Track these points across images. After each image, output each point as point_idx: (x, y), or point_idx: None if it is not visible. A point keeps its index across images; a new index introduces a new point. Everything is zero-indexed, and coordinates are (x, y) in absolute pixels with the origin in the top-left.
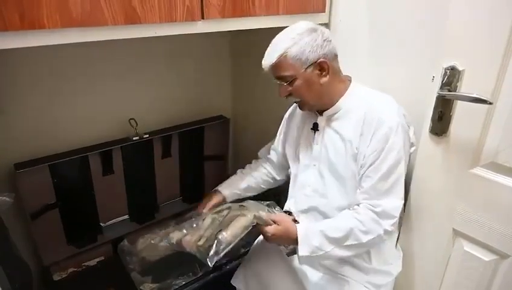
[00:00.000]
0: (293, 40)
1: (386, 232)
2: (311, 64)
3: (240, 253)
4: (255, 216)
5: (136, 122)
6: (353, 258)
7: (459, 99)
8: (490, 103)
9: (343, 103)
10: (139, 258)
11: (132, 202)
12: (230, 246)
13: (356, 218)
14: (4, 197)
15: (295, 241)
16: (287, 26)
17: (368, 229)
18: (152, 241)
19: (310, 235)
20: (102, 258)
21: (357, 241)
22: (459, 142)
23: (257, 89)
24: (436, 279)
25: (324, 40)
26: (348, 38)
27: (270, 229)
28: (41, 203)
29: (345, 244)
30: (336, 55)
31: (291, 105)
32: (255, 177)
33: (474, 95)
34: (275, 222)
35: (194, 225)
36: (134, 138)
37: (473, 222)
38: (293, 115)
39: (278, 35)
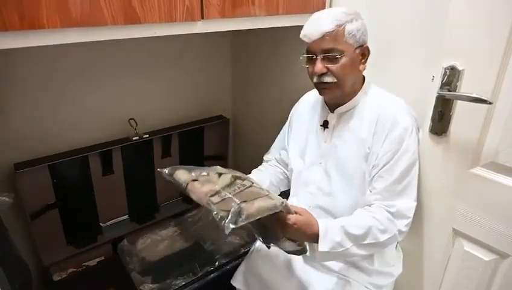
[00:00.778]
0: (350, 16)
1: (401, 232)
2: (360, 46)
3: (240, 253)
4: (282, 203)
5: (136, 122)
6: (358, 260)
7: (459, 99)
8: (490, 103)
9: (358, 99)
10: (139, 258)
11: (132, 202)
12: (249, 220)
13: (374, 217)
14: (4, 197)
15: (314, 235)
16: (287, 26)
17: (385, 229)
18: None
19: (331, 230)
20: (102, 258)
21: (375, 240)
22: (459, 142)
23: (257, 89)
24: (436, 279)
25: (365, 30)
26: None
27: (292, 217)
28: (41, 203)
29: (363, 242)
30: None
31: (297, 102)
32: (270, 178)
33: (474, 95)
34: (298, 213)
35: (204, 173)
36: (134, 138)
37: (473, 222)
38: (299, 112)
39: (323, 12)
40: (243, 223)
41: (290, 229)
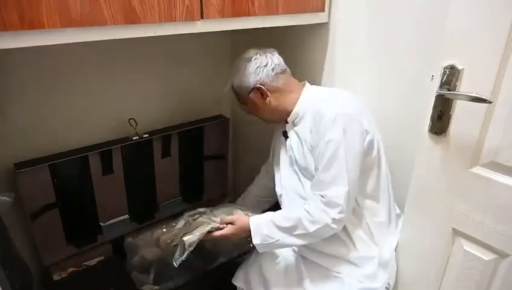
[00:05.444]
0: (235, 70)
1: (335, 221)
2: (251, 90)
3: (241, 252)
4: (213, 227)
5: (135, 122)
6: (340, 252)
7: (459, 99)
8: (490, 102)
9: (297, 109)
10: (139, 257)
11: (132, 202)
12: (192, 247)
13: (305, 208)
14: (4, 197)
15: (249, 234)
16: (286, 26)
17: (316, 219)
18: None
19: (261, 225)
20: (102, 258)
21: (305, 231)
22: (458, 142)
23: None
24: (436, 278)
25: (257, 67)
26: (348, 38)
27: (223, 231)
28: (41, 203)
29: (295, 233)
30: (278, 73)
31: None
32: (260, 187)
33: (474, 94)
34: (231, 223)
35: (174, 225)
36: (134, 138)
37: (472, 221)
38: (276, 127)
39: (234, 64)
40: (189, 252)
41: (224, 240)
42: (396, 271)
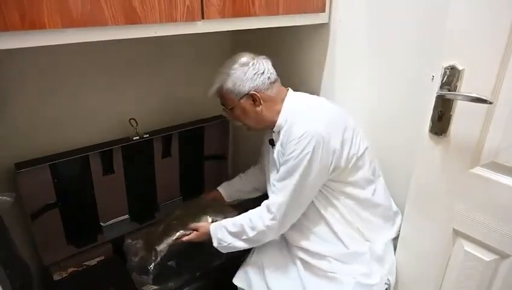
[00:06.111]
0: (227, 74)
1: (268, 227)
2: (244, 95)
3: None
4: (180, 233)
5: (136, 122)
6: (330, 250)
7: (459, 99)
8: (490, 103)
9: (280, 120)
10: (140, 257)
11: (132, 202)
12: (163, 253)
13: (248, 215)
14: (4, 197)
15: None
16: (287, 26)
17: (254, 226)
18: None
19: (217, 229)
20: (103, 258)
21: (246, 236)
22: (459, 142)
23: None
24: (436, 279)
25: (255, 74)
26: (348, 38)
27: (189, 237)
28: (42, 203)
29: (242, 237)
30: (271, 83)
31: None
32: (250, 181)
33: (474, 95)
34: (196, 229)
35: (157, 228)
36: (134, 138)
37: (473, 222)
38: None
39: (221, 67)
40: (161, 257)
41: (193, 242)
42: (396, 271)
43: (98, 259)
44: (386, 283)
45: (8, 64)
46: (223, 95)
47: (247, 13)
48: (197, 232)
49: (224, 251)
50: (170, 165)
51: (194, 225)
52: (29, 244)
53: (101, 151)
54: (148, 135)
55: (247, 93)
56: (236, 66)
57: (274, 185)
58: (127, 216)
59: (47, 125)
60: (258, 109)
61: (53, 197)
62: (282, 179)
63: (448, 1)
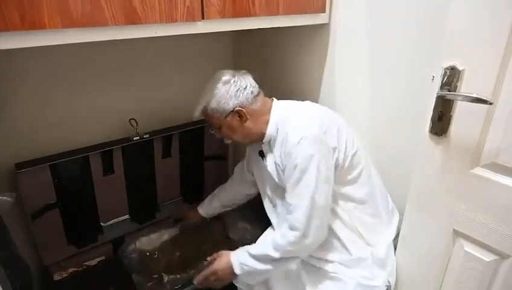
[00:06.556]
0: (211, 94)
1: (292, 243)
2: (229, 113)
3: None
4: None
5: (136, 122)
6: (334, 257)
7: (459, 100)
8: (490, 103)
9: (269, 131)
10: (140, 258)
11: (132, 202)
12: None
13: (272, 236)
14: (5, 197)
15: (231, 266)
16: (287, 27)
17: (277, 246)
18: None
19: (239, 257)
20: (103, 258)
21: (273, 258)
22: (459, 143)
23: None
24: (436, 279)
25: (237, 90)
26: (348, 38)
27: (207, 271)
28: (42, 203)
29: (271, 259)
30: (255, 96)
31: None
32: (233, 194)
33: (474, 95)
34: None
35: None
36: (134, 138)
37: (473, 222)
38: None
39: (205, 86)
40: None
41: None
42: (397, 271)
43: (98, 259)
44: (386, 285)
45: (8, 64)
46: (208, 115)
47: (247, 13)
48: (216, 264)
49: (249, 281)
50: (170, 166)
51: (216, 254)
52: (30, 244)
53: (102, 152)
54: (148, 135)
55: (233, 110)
56: (219, 85)
57: (287, 198)
58: (127, 216)
59: (47, 125)
60: (246, 124)
61: (53, 197)
62: (293, 190)
63: (448, 1)
